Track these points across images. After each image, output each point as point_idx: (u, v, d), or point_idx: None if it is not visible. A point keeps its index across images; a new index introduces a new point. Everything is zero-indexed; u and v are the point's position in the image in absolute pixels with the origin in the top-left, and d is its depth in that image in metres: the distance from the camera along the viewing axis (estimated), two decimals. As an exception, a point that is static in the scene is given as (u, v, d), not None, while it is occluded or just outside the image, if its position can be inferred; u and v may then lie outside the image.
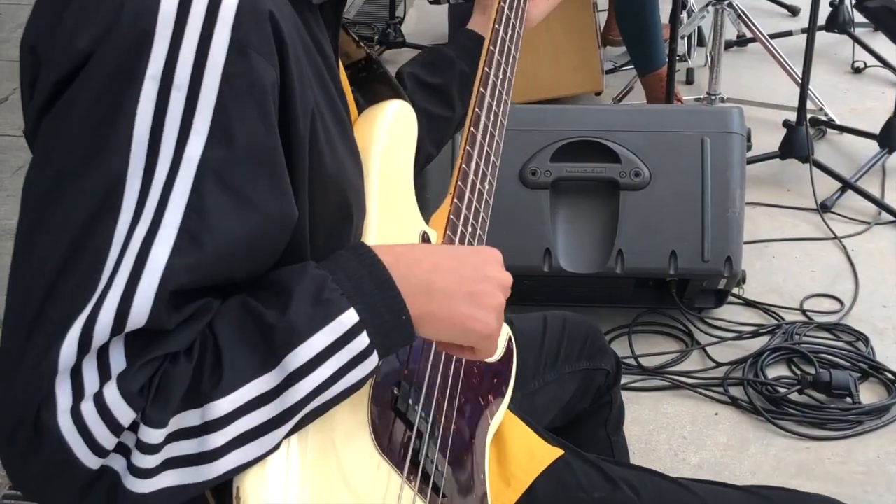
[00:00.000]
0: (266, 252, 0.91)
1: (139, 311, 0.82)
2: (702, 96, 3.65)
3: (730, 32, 3.94)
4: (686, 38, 3.93)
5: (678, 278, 2.55)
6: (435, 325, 0.96)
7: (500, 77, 1.30)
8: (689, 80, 3.95)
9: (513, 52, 1.34)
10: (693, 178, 2.51)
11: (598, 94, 3.76)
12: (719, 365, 2.50)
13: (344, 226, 1.01)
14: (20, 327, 0.84)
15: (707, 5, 3.63)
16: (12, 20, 4.31)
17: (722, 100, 3.60)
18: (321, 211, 0.96)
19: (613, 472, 1.30)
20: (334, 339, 0.89)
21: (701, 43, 4.12)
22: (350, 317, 0.89)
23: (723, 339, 2.59)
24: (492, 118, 1.26)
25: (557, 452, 1.31)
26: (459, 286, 0.97)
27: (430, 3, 4.12)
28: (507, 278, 1.02)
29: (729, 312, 2.68)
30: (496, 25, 1.32)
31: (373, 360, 0.91)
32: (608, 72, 3.92)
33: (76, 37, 0.86)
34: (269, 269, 0.92)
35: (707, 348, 2.55)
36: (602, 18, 4.05)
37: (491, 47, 1.30)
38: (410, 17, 4.57)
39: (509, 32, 1.34)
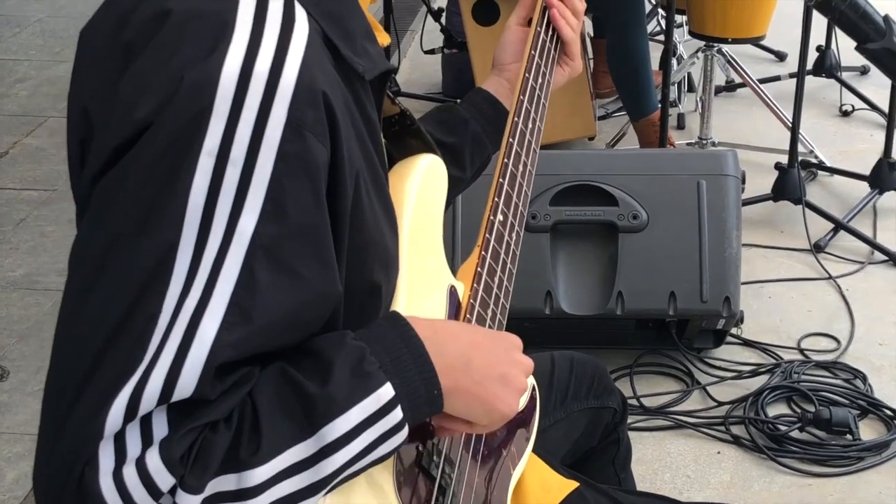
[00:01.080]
0: (310, 325, 0.94)
1: (186, 382, 0.84)
2: (693, 141, 3.71)
3: (719, 78, 4.01)
4: (676, 85, 3.99)
5: (678, 319, 2.58)
6: (464, 399, 0.99)
7: (530, 126, 1.33)
8: (681, 126, 4.01)
9: (543, 100, 1.37)
10: (690, 220, 2.56)
11: (592, 139, 3.81)
12: (720, 404, 2.52)
13: (377, 287, 1.04)
14: (68, 388, 0.86)
15: (697, 52, 3.70)
16: (10, 75, 4.36)
17: (713, 144, 3.66)
18: (358, 276, 0.99)
19: (627, 501, 1.33)
20: (370, 414, 0.92)
21: (691, 89, 4.20)
22: (387, 391, 0.92)
23: (723, 379, 2.62)
24: (520, 168, 1.29)
25: (572, 485, 1.34)
26: (495, 366, 1.02)
27: (425, 52, 4.19)
28: (531, 364, 1.08)
29: (728, 352, 2.71)
30: (526, 74, 1.34)
31: (403, 434, 0.94)
32: (601, 118, 3.98)
33: (136, 105, 0.88)
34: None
35: (708, 388, 2.58)
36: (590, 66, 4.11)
37: (521, 96, 1.32)
38: (404, 67, 4.63)
39: (539, 81, 1.37)
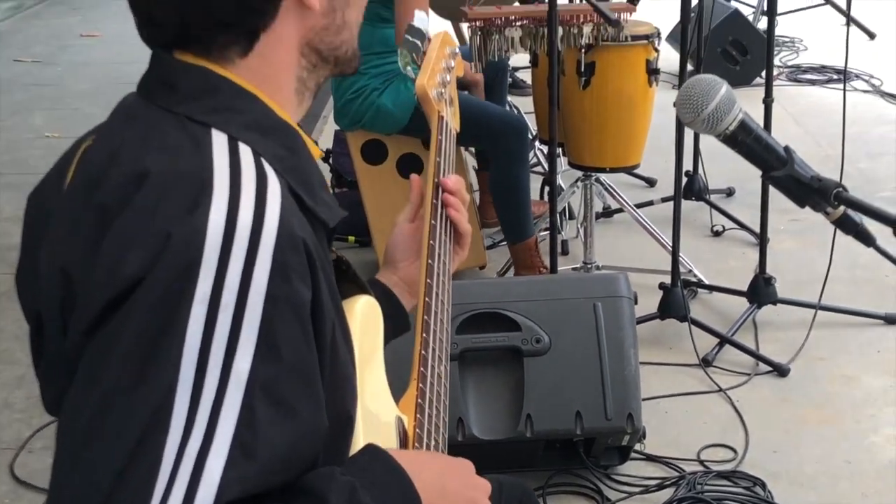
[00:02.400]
0: (306, 460, 0.98)
1: None
2: (578, 265, 3.87)
3: (596, 205, 4.20)
4: (558, 213, 4.16)
5: (585, 437, 2.67)
6: None
7: (443, 257, 1.41)
8: (565, 251, 4.16)
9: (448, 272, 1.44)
10: (590, 341, 2.67)
11: (482, 267, 3.93)
12: (632, 520, 2.60)
13: (351, 419, 1.10)
14: None
15: (576, 181, 3.89)
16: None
17: (598, 267, 3.82)
18: (336, 410, 1.04)
19: None
20: None
21: (571, 216, 4.37)
22: None
23: (630, 494, 2.70)
24: (440, 306, 1.36)
25: None
26: (464, 491, 1.11)
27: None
28: (489, 486, 1.16)
29: (634, 468, 2.80)
30: (430, 260, 1.39)
31: None
32: (489, 247, 4.11)
33: (123, 262, 0.93)
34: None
35: (619, 504, 2.66)
36: (476, 198, 4.26)
37: (431, 241, 1.40)
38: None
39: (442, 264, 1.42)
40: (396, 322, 1.45)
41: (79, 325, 0.95)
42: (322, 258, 1.04)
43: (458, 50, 1.71)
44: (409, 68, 1.66)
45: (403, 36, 1.67)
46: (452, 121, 1.60)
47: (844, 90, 3.48)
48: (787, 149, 1.24)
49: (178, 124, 1.04)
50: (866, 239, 1.22)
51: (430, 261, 1.38)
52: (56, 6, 9.34)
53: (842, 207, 1.20)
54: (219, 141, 1.02)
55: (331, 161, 4.19)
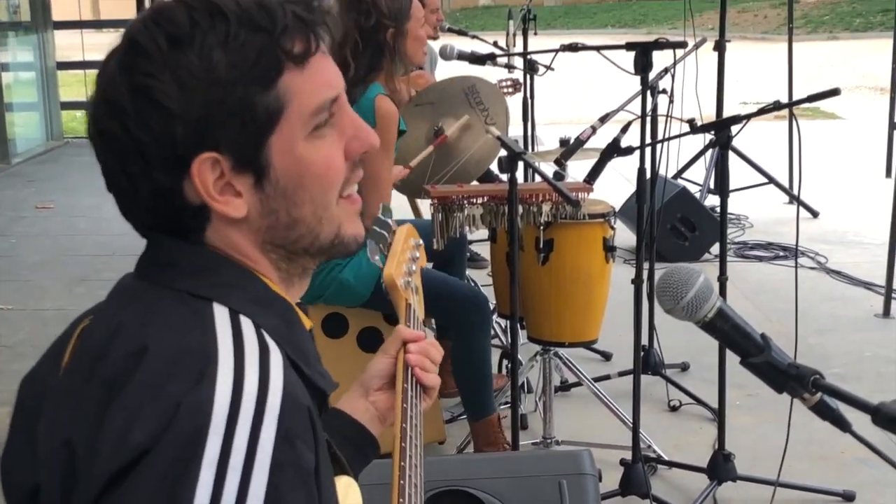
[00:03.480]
0: None
1: None
2: (538, 440, 3.86)
3: (555, 378, 4.21)
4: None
5: None
6: None
7: (415, 420, 1.42)
8: (524, 426, 4.15)
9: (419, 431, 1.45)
10: (555, 519, 2.64)
11: (441, 443, 3.90)
12: None
13: None
14: None
15: (535, 355, 3.91)
16: None
17: (557, 443, 3.81)
18: None
19: None
20: None
21: (529, 390, 4.38)
22: None
23: None
24: (414, 469, 1.37)
25: None
26: None
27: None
28: None
29: None
30: (403, 425, 1.39)
31: None
32: (447, 421, 4.09)
33: (130, 433, 0.94)
34: None
35: None
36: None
37: (403, 404, 1.41)
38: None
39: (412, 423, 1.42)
40: (366, 452, 1.47)
41: (83, 498, 0.95)
42: (318, 427, 1.06)
43: (421, 242, 1.79)
44: (377, 258, 1.73)
45: (371, 227, 1.74)
46: (419, 308, 1.65)
47: (797, 268, 3.57)
48: (763, 336, 1.28)
49: (179, 300, 1.08)
50: (843, 425, 1.25)
51: (403, 424, 1.40)
52: (11, 178, 9.43)
53: (819, 394, 1.23)
54: (220, 314, 1.06)
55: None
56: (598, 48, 3.61)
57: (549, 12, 31.94)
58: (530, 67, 5.33)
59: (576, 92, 14.06)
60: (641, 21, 28.87)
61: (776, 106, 3.30)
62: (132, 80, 1.07)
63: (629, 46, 3.45)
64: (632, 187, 4.28)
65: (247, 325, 1.06)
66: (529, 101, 5.66)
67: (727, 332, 1.26)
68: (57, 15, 11.61)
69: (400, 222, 3.75)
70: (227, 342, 1.02)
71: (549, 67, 5.24)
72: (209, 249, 1.13)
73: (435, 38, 5.48)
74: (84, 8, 15.28)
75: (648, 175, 3.92)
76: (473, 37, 5.83)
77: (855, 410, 1.22)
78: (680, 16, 4.77)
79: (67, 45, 12.12)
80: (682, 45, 3.53)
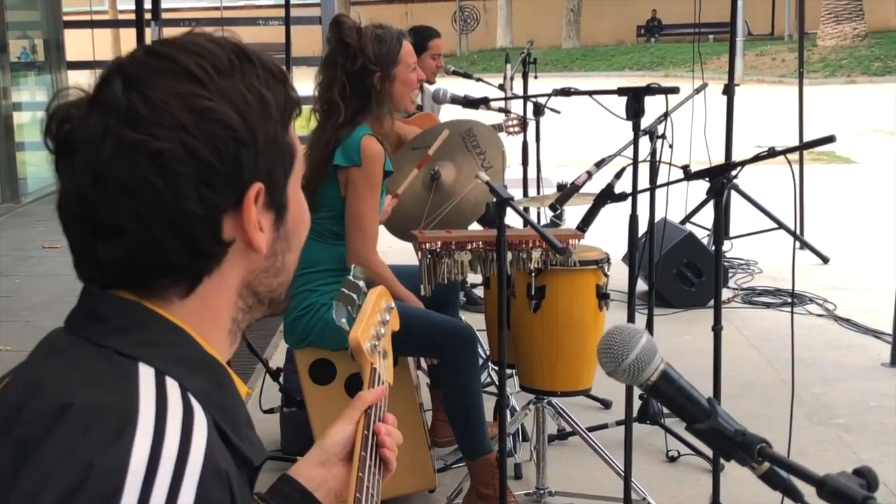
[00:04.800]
0: None
1: None
2: (531, 491, 3.78)
3: (550, 427, 4.14)
4: (511, 436, 4.10)
5: None
6: None
7: (372, 489, 1.36)
8: (518, 475, 4.08)
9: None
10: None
11: (432, 491, 3.83)
12: None
13: None
14: None
15: (528, 404, 3.84)
16: None
17: (550, 493, 3.73)
18: None
19: None
20: None
21: (525, 438, 4.31)
22: None
23: None
24: None
25: None
26: None
27: (264, 412, 4.21)
28: None
29: None
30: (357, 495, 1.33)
31: None
32: (440, 470, 4.01)
33: (40, 494, 0.90)
34: None
35: None
36: (428, 418, 4.20)
37: (360, 473, 1.34)
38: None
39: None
40: None
41: None
42: (244, 497, 1.03)
43: (393, 304, 1.75)
44: (343, 320, 1.70)
45: (340, 289, 1.72)
46: (386, 373, 1.61)
47: (792, 314, 3.50)
48: (710, 400, 1.21)
49: (104, 358, 1.04)
50: (794, 495, 1.18)
51: (358, 494, 1.34)
52: (20, 217, 9.45)
53: (766, 463, 1.17)
54: (146, 374, 1.03)
55: (280, 380, 4.13)
56: (590, 93, 3.57)
57: (567, 54, 32.11)
58: (535, 111, 5.31)
59: (583, 135, 14.05)
60: (659, 64, 28.94)
61: (771, 153, 3.25)
62: (191, 103, 1.05)
63: (621, 92, 3.41)
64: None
65: (172, 386, 1.02)
66: (536, 145, 5.64)
67: (672, 396, 1.20)
68: (71, 55, 11.70)
69: (396, 267, 3.72)
70: (150, 403, 0.98)
71: (555, 111, 5.23)
72: (142, 305, 1.09)
73: (431, 82, 5.47)
74: (99, 48, 15.43)
75: (647, 221, 3.87)
76: (478, 79, 5.81)
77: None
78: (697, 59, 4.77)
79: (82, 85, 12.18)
80: (675, 90, 3.48)
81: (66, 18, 11.93)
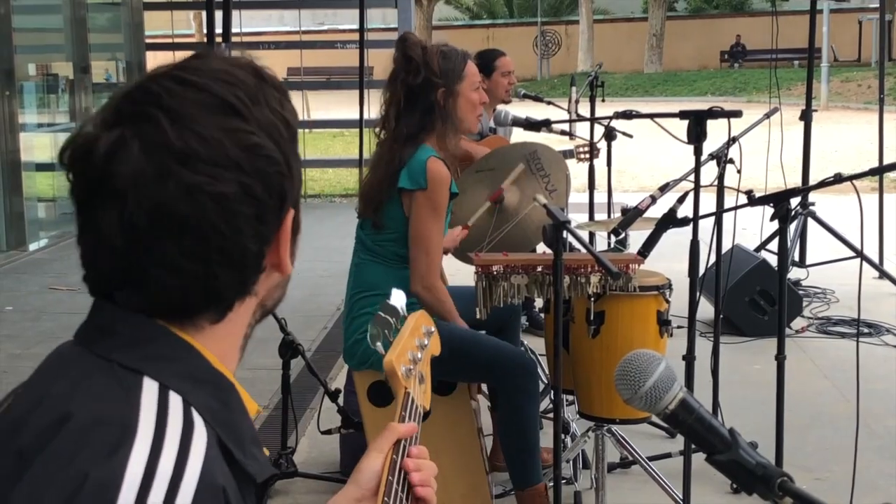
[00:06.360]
0: None
1: None
2: (590, 520, 3.72)
3: (613, 454, 4.08)
4: (571, 462, 4.05)
5: None
6: None
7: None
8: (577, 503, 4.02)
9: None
10: None
11: (488, 518, 3.78)
12: None
13: None
14: None
15: (588, 431, 3.78)
16: None
17: (609, 524, 3.66)
18: None
19: None
20: None
21: (585, 465, 4.24)
22: None
23: None
24: None
25: None
26: None
27: (322, 433, 4.21)
28: None
29: None
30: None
31: None
32: (498, 496, 3.97)
33: None
34: None
35: None
36: (488, 442, 4.16)
37: (385, 498, 1.32)
38: (302, 446, 4.62)
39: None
40: None
41: None
42: None
43: (433, 329, 1.73)
44: (378, 344, 1.67)
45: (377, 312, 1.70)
46: (421, 398, 1.58)
47: (858, 342, 3.40)
48: (731, 431, 1.17)
49: (109, 371, 1.04)
50: (818, 531, 1.13)
51: None
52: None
53: (788, 499, 1.12)
54: (149, 388, 1.03)
55: (339, 401, 4.13)
56: (651, 115, 3.53)
57: (648, 79, 31.91)
58: (606, 134, 5.27)
59: (657, 159, 13.89)
60: (742, 89, 28.57)
61: (837, 179, 3.17)
62: (241, 140, 1.06)
63: (682, 115, 3.35)
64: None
65: (175, 401, 1.02)
66: (607, 168, 5.59)
67: (691, 425, 1.16)
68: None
69: (453, 288, 3.69)
70: (150, 418, 0.98)
71: (627, 135, 5.18)
72: (151, 320, 1.08)
73: (507, 101, 5.45)
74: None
75: (714, 246, 3.79)
76: (549, 103, 5.79)
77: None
78: (783, 84, 4.68)
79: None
80: (738, 114, 3.42)
81: (148, 41, 12.16)
